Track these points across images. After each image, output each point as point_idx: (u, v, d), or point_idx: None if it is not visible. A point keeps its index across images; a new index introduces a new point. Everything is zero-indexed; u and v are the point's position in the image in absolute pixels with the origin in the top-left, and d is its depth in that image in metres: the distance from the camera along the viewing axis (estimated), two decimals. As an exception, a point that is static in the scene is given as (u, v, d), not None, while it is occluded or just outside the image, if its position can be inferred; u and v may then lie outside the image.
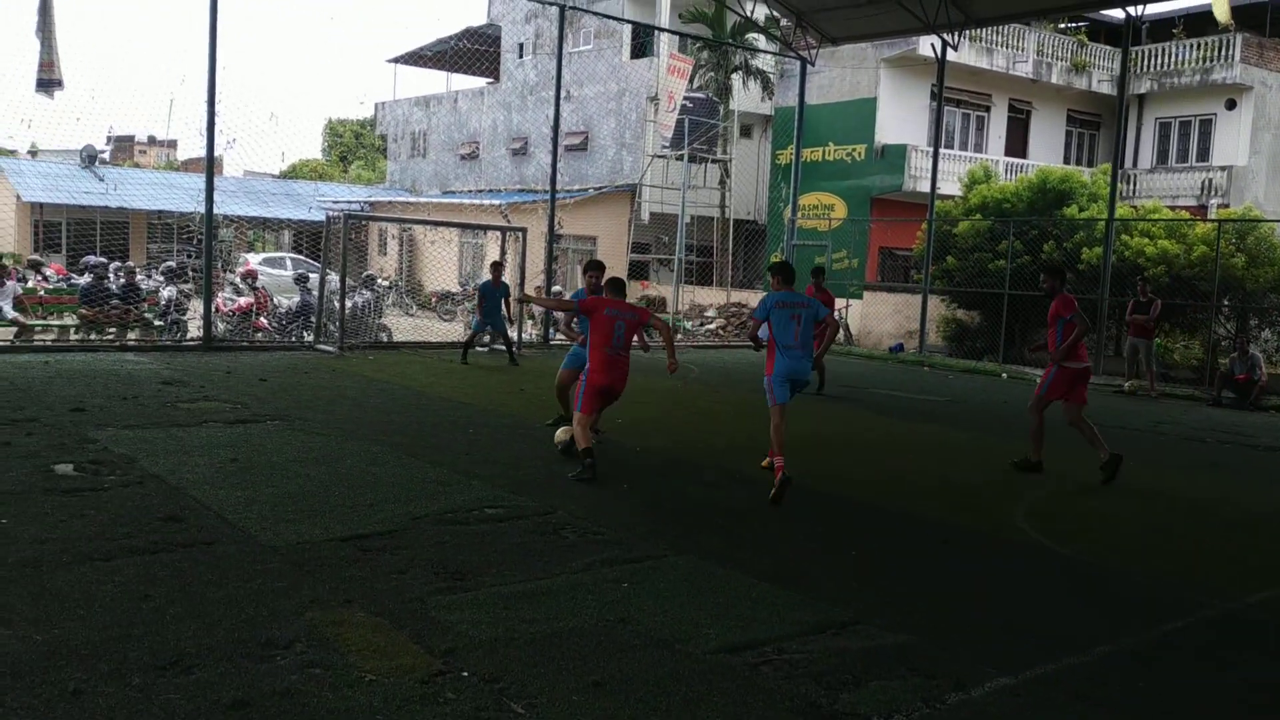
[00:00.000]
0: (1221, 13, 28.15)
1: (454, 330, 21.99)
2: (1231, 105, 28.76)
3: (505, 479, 8.00)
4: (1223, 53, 28.37)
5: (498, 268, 16.45)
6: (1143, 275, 18.43)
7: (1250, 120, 28.46)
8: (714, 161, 30.85)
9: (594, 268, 9.61)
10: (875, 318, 26.17)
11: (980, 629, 5.29)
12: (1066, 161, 30.22)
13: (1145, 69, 29.90)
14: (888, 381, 17.69)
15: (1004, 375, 19.64)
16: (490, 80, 38.69)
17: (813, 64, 24.26)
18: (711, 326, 27.04)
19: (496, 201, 30.94)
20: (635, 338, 8.67)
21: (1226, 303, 19.07)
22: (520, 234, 18.88)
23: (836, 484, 8.67)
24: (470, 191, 36.67)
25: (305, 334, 17.51)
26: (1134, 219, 20.97)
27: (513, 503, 7.21)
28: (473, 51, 35.95)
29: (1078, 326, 9.07)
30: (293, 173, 53.15)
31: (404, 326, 21.47)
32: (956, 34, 22.29)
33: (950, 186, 25.13)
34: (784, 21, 23.96)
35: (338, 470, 7.89)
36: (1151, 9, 19.41)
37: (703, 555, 6.26)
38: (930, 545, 6.90)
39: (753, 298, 29.85)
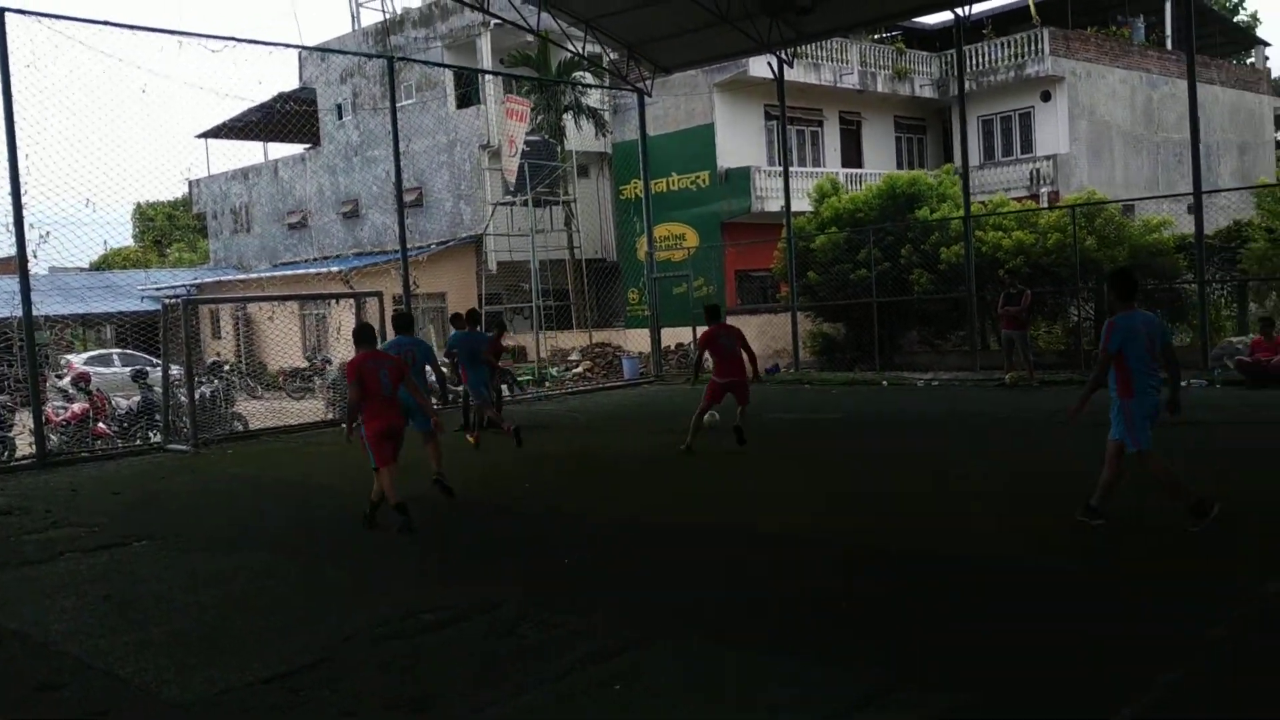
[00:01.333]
0: (1031, 8, 29.38)
1: (311, 409, 20.56)
2: (1047, 97, 29.91)
3: (428, 574, 7.03)
4: (1033, 47, 29.49)
5: (471, 317, 14.78)
6: (1009, 268, 18.63)
7: (1066, 109, 29.65)
8: (558, 203, 30.21)
9: (363, 337, 8.79)
10: (742, 341, 25.89)
11: (1034, 674, 4.65)
12: (899, 167, 30.85)
13: (957, 71, 30.81)
14: (777, 404, 17.26)
15: (884, 383, 19.52)
16: (310, 145, 37.15)
17: (649, 95, 23.95)
18: (578, 370, 26.29)
19: (336, 268, 29.47)
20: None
21: (1090, 285, 19.46)
22: (376, 298, 17.73)
23: (797, 524, 8.01)
24: (305, 261, 34.96)
25: (152, 434, 15.91)
26: (987, 214, 21.31)
27: (449, 602, 6.24)
28: (290, 114, 34.40)
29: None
30: (104, 264, 49.90)
31: (256, 411, 19.92)
32: (791, 51, 22.34)
33: (798, 203, 25.15)
34: (614, 55, 23.57)
35: (231, 592, 6.76)
36: (959, 11, 19.73)
37: (688, 633, 5.46)
38: (930, 583, 6.27)
39: (614, 336, 29.30)
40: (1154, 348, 7.12)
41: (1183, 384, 16.07)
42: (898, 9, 21.22)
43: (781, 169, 24.40)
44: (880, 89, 30.67)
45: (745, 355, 11.91)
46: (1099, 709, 4.19)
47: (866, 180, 28.16)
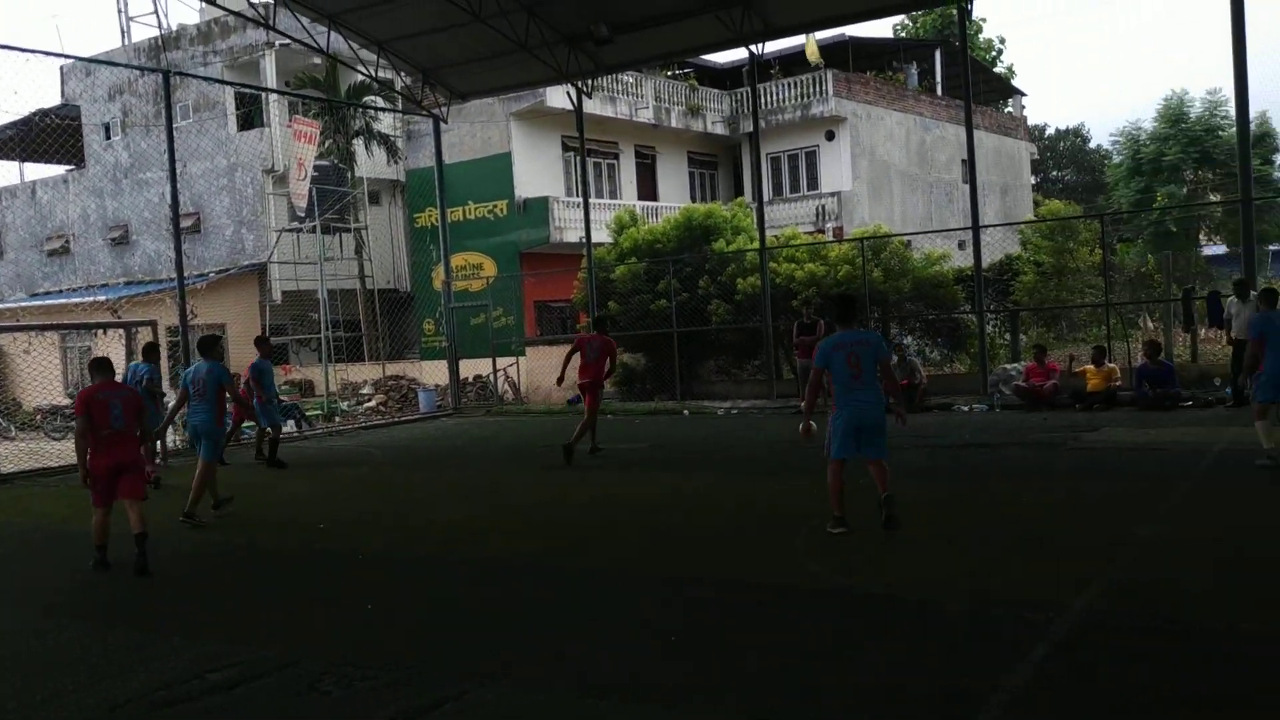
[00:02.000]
0: (812, 53, 30.60)
1: (71, 449, 18.81)
2: (831, 136, 31.18)
3: (215, 626, 6.34)
4: (818, 89, 30.72)
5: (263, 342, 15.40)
6: (806, 299, 19.12)
7: (849, 149, 31.00)
8: (349, 231, 29.12)
9: (99, 368, 8.45)
10: (542, 372, 25.55)
11: (857, 696, 4.51)
12: (693, 200, 31.41)
13: (751, 109, 31.80)
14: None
15: (685, 412, 19.64)
16: (73, 166, 34.47)
17: (445, 122, 23.44)
18: (371, 404, 25.30)
19: (104, 297, 27.34)
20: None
21: (878, 315, 20.22)
22: (150, 327, 16.41)
23: (586, 556, 7.72)
24: (67, 290, 32.30)
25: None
26: (781, 246, 21.86)
27: (240, 658, 5.61)
28: (51, 132, 31.83)
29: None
30: None
31: (10, 454, 18.11)
32: (589, 82, 22.35)
33: (597, 234, 25.14)
34: (408, 80, 22.94)
35: (-21, 659, 5.89)
36: (753, 49, 20.28)
37: (509, 677, 5.07)
38: (742, 608, 6.08)
39: (409, 368, 28.42)
40: (862, 365, 7.62)
41: (965, 409, 16.93)
42: (693, 45, 21.57)
43: (579, 199, 24.37)
44: (674, 124, 31.21)
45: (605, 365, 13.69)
46: None
47: (662, 212, 28.49)
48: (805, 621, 5.75)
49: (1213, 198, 30.70)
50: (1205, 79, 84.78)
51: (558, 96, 24.97)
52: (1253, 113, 16.98)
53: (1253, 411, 10.26)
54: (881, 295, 20.18)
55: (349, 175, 28.50)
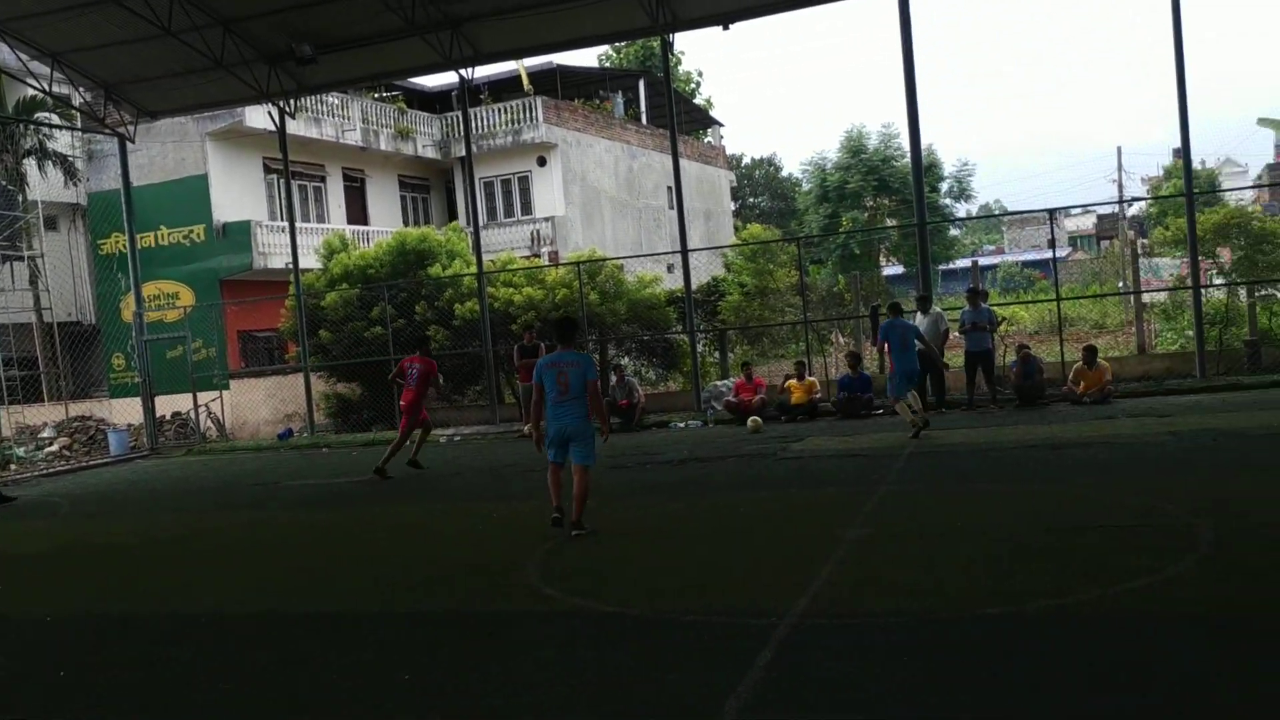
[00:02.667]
0: (524, 79, 30.90)
1: None
2: (543, 162, 31.56)
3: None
4: (528, 115, 31.03)
5: None
6: (526, 323, 19.17)
7: (561, 174, 31.49)
8: (21, 259, 26.43)
9: None
10: (249, 406, 24.27)
11: (594, 715, 4.53)
12: (405, 224, 30.85)
13: (463, 133, 31.67)
14: (295, 471, 16.27)
15: (408, 442, 19.14)
16: None
17: (132, 141, 21.84)
18: (54, 449, 23.04)
19: None
20: None
21: (595, 337, 20.59)
22: None
23: (315, 600, 7.36)
24: None
25: None
26: (498, 270, 21.83)
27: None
28: None
29: None
30: None
31: None
32: (292, 103, 21.50)
33: (306, 259, 24.17)
34: (89, 96, 21.18)
35: None
36: (464, 73, 20.27)
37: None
38: (475, 640, 5.95)
39: (97, 408, 26.17)
40: (570, 383, 8.50)
41: (682, 425, 17.52)
42: (401, 67, 21.26)
43: (284, 223, 23.37)
44: (384, 147, 30.58)
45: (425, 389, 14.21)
46: None
47: (374, 237, 27.80)
48: (540, 646, 5.71)
49: (890, 222, 33.56)
50: (880, 113, 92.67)
51: (258, 116, 23.86)
52: (922, 144, 18.70)
53: (892, 404, 13.35)
54: (599, 317, 20.60)
55: (20, 198, 25.92)
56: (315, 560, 8.89)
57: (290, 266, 22.31)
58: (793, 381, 17.40)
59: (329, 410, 22.99)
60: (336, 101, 28.68)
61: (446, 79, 28.46)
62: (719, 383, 19.21)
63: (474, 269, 21.24)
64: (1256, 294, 18.99)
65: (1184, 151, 18.06)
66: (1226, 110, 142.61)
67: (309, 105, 26.71)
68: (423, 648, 5.89)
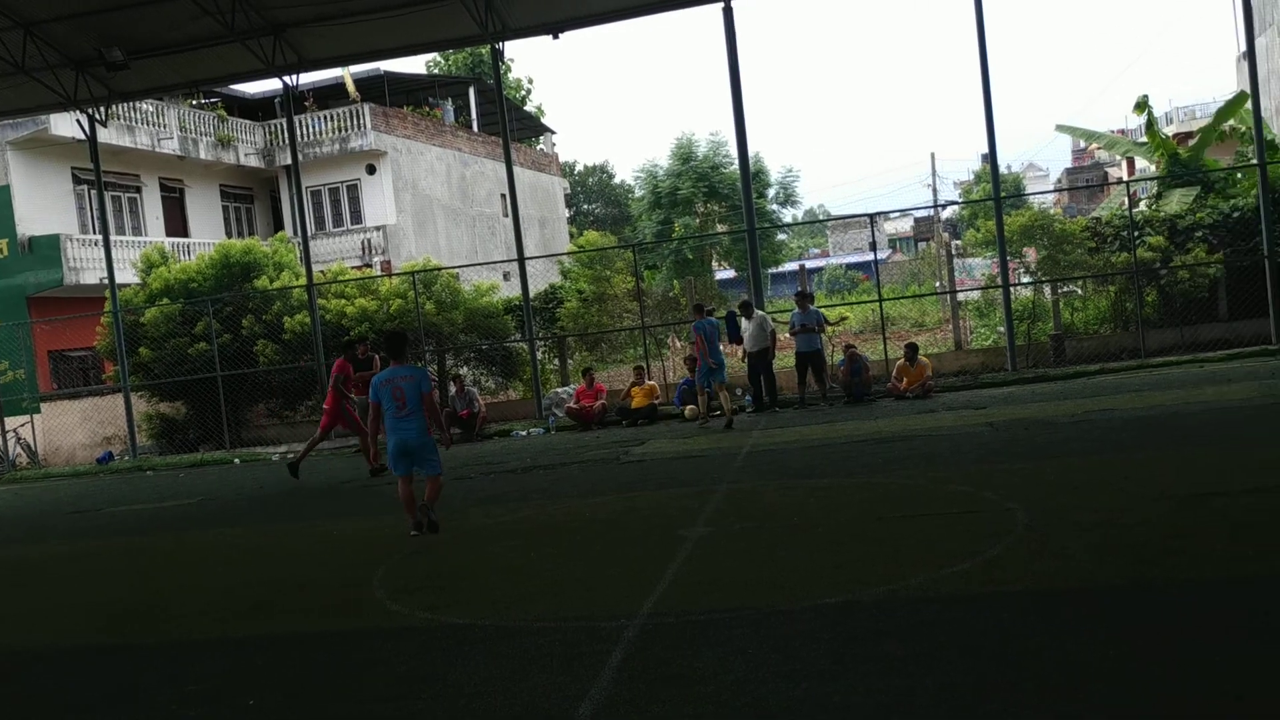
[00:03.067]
0: (350, 86, 30.26)
1: None
2: (372, 170, 30.98)
3: None
4: (356, 122, 30.41)
5: None
6: (360, 335, 18.78)
7: (391, 183, 30.98)
8: None
9: None
10: (63, 430, 22.95)
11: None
12: (229, 235, 29.80)
13: (288, 140, 30.77)
14: (118, 497, 15.48)
15: (237, 461, 18.53)
16: None
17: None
18: None
19: None
20: None
21: (429, 348, 20.33)
22: None
23: (147, 632, 7.08)
24: None
25: None
26: (329, 282, 21.30)
27: None
28: None
29: None
30: None
31: None
32: (104, 110, 20.46)
33: (123, 274, 23.03)
34: None
35: None
36: (287, 80, 19.73)
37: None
38: (321, 659, 5.85)
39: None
40: (407, 398, 8.74)
41: (524, 433, 17.52)
42: (222, 74, 20.48)
43: (98, 237, 22.21)
44: (204, 156, 29.43)
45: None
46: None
47: (196, 249, 26.75)
48: (391, 662, 5.66)
49: (720, 227, 34.36)
50: (709, 121, 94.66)
51: (65, 124, 22.63)
52: (749, 151, 19.25)
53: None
54: (436, 328, 20.37)
55: None
56: (146, 588, 8.51)
57: (105, 282, 21.22)
58: (635, 387, 17.63)
59: (152, 431, 21.97)
60: (151, 109, 27.45)
61: (269, 86, 27.65)
62: (560, 390, 19.29)
63: (303, 281, 20.70)
64: (1059, 291, 20.33)
65: (991, 158, 19.19)
66: (1030, 117, 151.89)
67: (121, 113, 25.47)
68: (267, 670, 5.75)
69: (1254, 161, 18.49)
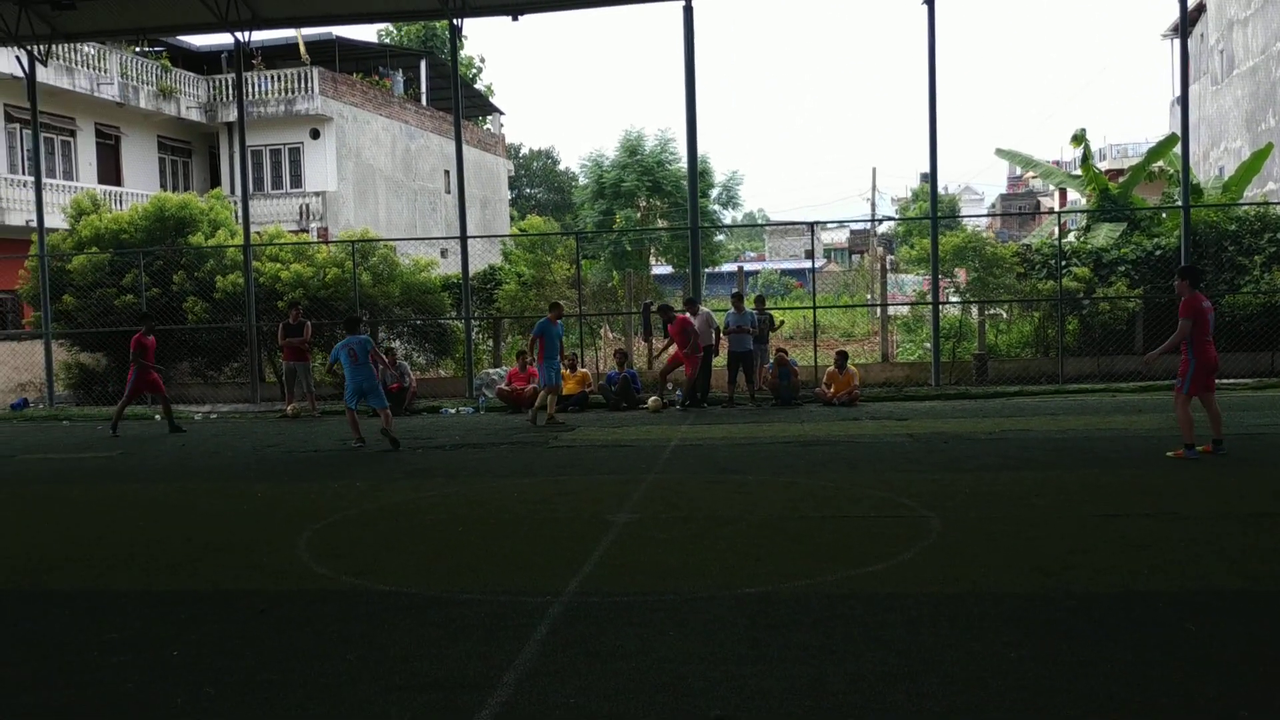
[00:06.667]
0: (302, 48, 29.84)
1: None
2: (316, 135, 30.59)
3: None
4: (304, 85, 29.98)
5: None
6: (293, 300, 18.60)
7: (335, 149, 30.62)
8: None
9: None
10: (-18, 375, 22.36)
11: (373, 688, 4.64)
12: (164, 188, 29.19)
13: (231, 97, 30.24)
14: (33, 445, 15.18)
15: (157, 417, 18.23)
16: None
17: None
18: None
19: None
20: None
21: (366, 319, 20.20)
22: None
23: (60, 577, 7.05)
24: None
25: None
26: (265, 244, 21.03)
27: None
28: None
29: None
30: None
31: None
32: (44, 48, 19.95)
33: (52, 218, 22.48)
34: None
35: None
36: (239, 36, 19.44)
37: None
38: (241, 619, 5.88)
39: None
40: (359, 356, 13.16)
41: (453, 411, 17.55)
42: (171, 23, 20.10)
43: (29, 178, 21.67)
44: (143, 105, 28.81)
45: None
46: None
47: (129, 200, 26.22)
48: (315, 623, 5.74)
49: (661, 223, 34.57)
50: (658, 118, 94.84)
51: (3, 59, 22.00)
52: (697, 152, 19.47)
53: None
54: (371, 300, 20.25)
55: None
56: (65, 538, 8.43)
57: (32, 224, 20.72)
58: (566, 373, 17.73)
59: (70, 381, 21.52)
60: (93, 52, 26.80)
61: (217, 40, 27.23)
62: (492, 370, 19.31)
63: (239, 240, 20.44)
64: (986, 313, 20.90)
65: (931, 178, 19.65)
66: (971, 141, 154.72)
67: (61, 53, 24.83)
68: (190, 624, 5.79)
69: (1179, 203, 19.20)
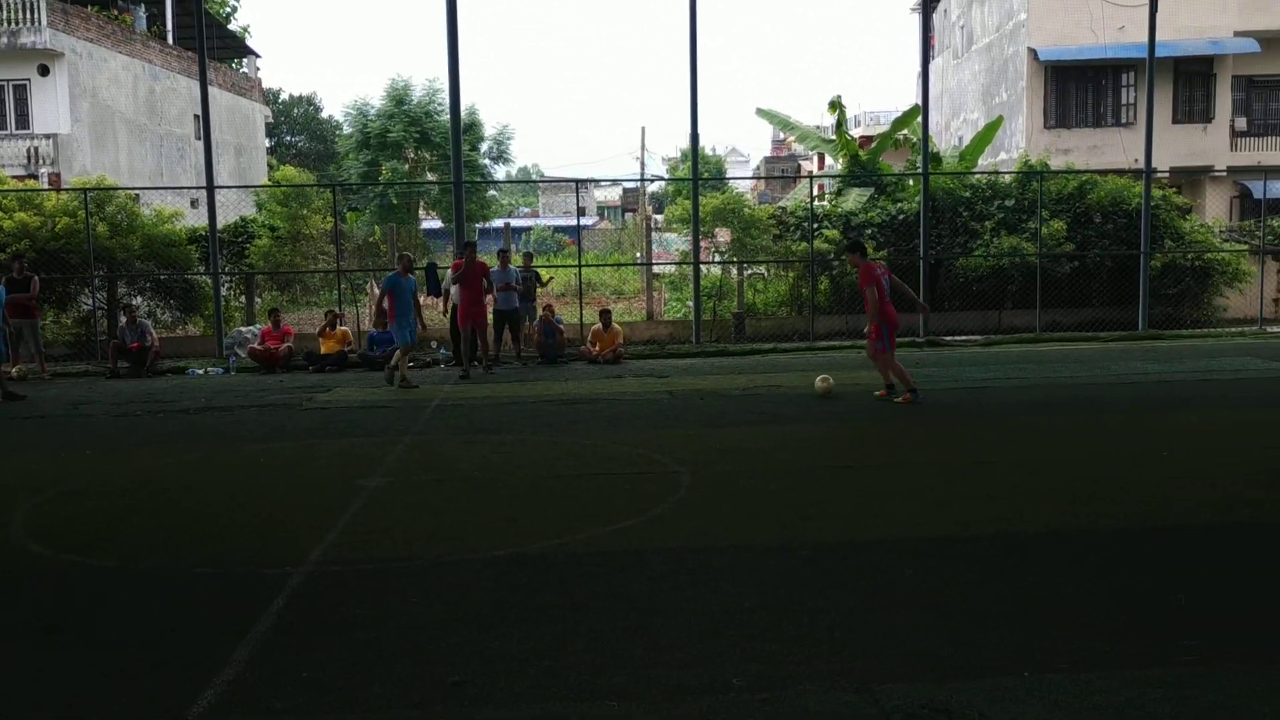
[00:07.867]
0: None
1: None
2: (45, 71, 28.01)
3: None
4: (30, 16, 27.35)
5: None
6: (17, 252, 17.01)
7: (68, 88, 28.14)
8: None
9: None
10: None
11: (115, 666, 4.34)
12: None
13: (-58, 26, 27.25)
14: None
15: None
16: None
17: None
18: None
19: None
20: None
21: (99, 273, 18.76)
22: None
23: None
24: None
25: None
26: (-17, 190, 19.12)
27: None
28: None
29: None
30: None
31: None
32: None
33: None
34: None
35: None
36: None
37: None
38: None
39: None
40: None
41: (200, 372, 16.64)
42: None
43: None
44: None
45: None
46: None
47: None
48: (28, 607, 5.30)
49: (430, 176, 33.80)
50: (426, 67, 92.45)
51: None
52: (464, 104, 19.09)
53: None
54: (109, 253, 18.81)
55: None
56: None
57: None
58: (329, 329, 17.10)
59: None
60: None
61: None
62: (244, 329, 18.38)
63: (-47, 185, 18.49)
64: (745, 273, 21.62)
65: (692, 139, 20.05)
66: (738, 103, 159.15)
67: None
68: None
69: (920, 170, 20.42)
